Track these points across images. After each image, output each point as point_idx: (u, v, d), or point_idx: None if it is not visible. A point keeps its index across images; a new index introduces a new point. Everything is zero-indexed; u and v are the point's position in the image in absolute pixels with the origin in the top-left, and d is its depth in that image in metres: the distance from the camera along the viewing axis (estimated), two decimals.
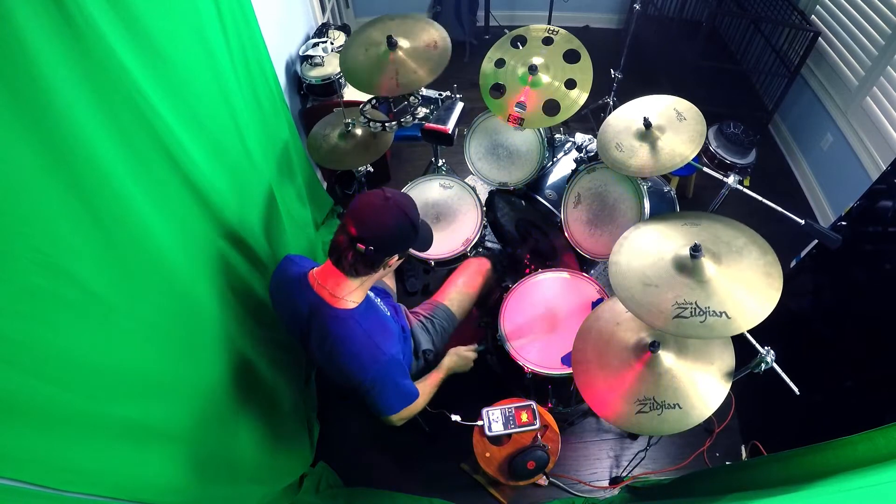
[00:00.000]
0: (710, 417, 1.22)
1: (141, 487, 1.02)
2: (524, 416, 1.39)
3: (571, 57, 1.73)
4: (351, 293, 1.26)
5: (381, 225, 1.19)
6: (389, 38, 1.63)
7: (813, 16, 2.79)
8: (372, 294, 1.43)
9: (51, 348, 0.82)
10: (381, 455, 2.04)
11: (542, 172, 2.00)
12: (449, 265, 1.95)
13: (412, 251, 1.37)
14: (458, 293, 1.79)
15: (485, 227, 1.97)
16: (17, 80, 0.75)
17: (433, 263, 1.90)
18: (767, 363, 1.17)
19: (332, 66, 2.38)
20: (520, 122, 1.74)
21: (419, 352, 1.64)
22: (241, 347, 1.50)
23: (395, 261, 1.27)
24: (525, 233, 2.18)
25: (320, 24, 2.75)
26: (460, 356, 1.62)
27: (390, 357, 1.27)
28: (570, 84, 1.71)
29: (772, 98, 2.99)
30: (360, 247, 1.17)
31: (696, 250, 1.18)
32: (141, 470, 1.04)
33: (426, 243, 1.35)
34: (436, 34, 1.69)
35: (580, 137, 2.05)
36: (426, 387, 1.50)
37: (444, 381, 1.57)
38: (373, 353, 1.25)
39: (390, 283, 1.90)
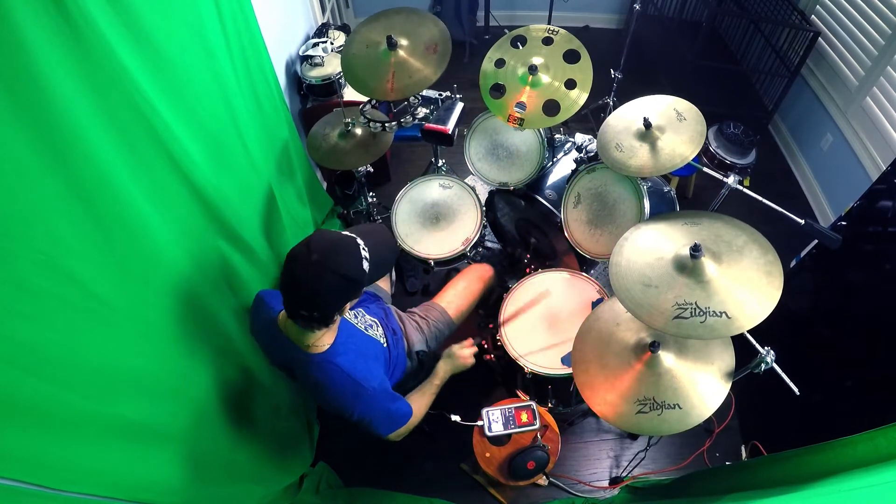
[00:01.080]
0: (710, 417, 1.22)
1: (141, 487, 1.02)
2: (524, 417, 1.39)
3: (571, 57, 1.72)
4: (319, 339, 1.24)
5: (315, 295, 1.11)
6: (389, 38, 1.63)
7: (813, 16, 2.79)
8: (350, 315, 1.42)
9: (51, 348, 0.82)
10: (381, 455, 2.04)
11: (542, 172, 2.00)
12: (449, 265, 1.95)
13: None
14: (456, 297, 1.78)
15: (485, 227, 1.97)
16: (17, 80, 0.75)
17: (433, 263, 1.90)
18: (767, 363, 1.17)
19: (332, 66, 2.38)
20: (520, 123, 1.74)
21: (412, 352, 1.63)
22: (240, 347, 1.50)
23: (346, 308, 1.21)
24: (525, 233, 2.18)
25: (320, 24, 2.75)
26: (456, 356, 1.56)
27: (373, 389, 1.26)
28: (570, 84, 1.71)
29: (772, 98, 2.99)
30: (305, 314, 1.13)
31: (696, 250, 1.18)
32: (141, 470, 1.04)
33: (382, 271, 1.26)
34: (436, 32, 1.69)
35: (580, 137, 2.05)
36: (423, 398, 1.47)
37: (445, 381, 1.55)
38: (355, 390, 1.23)
39: (384, 284, 1.89)
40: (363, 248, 1.15)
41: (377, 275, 1.21)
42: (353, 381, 1.24)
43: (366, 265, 1.14)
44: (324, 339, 1.24)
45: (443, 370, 1.54)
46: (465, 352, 1.57)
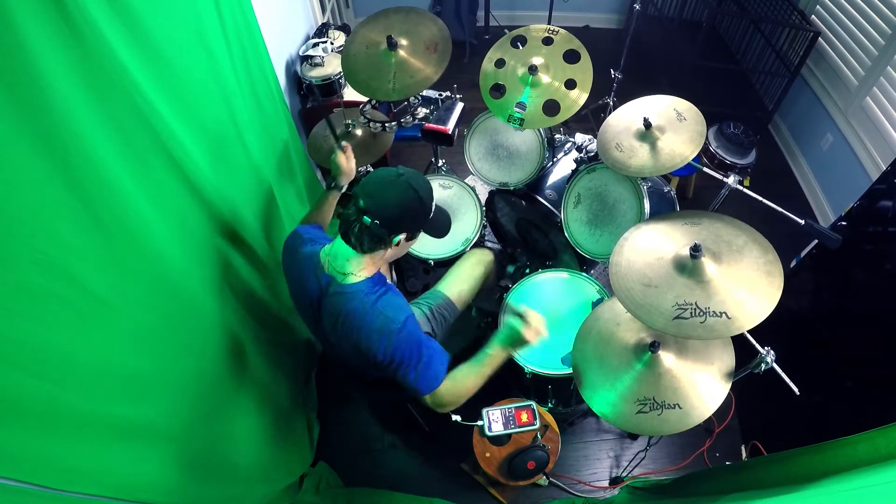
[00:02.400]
0: (710, 417, 1.22)
1: (141, 487, 1.02)
2: (524, 416, 1.39)
3: (571, 57, 1.73)
4: (360, 269, 1.24)
5: (389, 199, 1.19)
6: (389, 38, 1.63)
7: (813, 16, 2.79)
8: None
9: (50, 348, 0.82)
10: (381, 455, 2.04)
11: (542, 172, 2.00)
12: (449, 265, 1.95)
13: (424, 236, 1.30)
14: (458, 282, 1.76)
15: (485, 227, 1.97)
16: (17, 80, 0.75)
17: (433, 263, 1.90)
18: (767, 363, 1.17)
19: (332, 66, 2.38)
20: (520, 122, 1.74)
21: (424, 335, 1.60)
22: (241, 347, 1.50)
23: (404, 239, 1.24)
24: (525, 233, 2.18)
25: (320, 24, 2.75)
26: (509, 328, 1.33)
27: (406, 317, 1.23)
28: (570, 84, 1.71)
29: (772, 98, 2.99)
30: (367, 219, 1.16)
31: (696, 250, 1.18)
32: (141, 470, 1.04)
33: (442, 230, 1.32)
34: (436, 31, 1.69)
35: (580, 137, 2.05)
36: (473, 371, 1.30)
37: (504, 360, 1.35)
38: (387, 320, 1.21)
39: (390, 280, 1.89)
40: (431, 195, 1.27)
41: (437, 221, 1.30)
42: (385, 316, 1.21)
43: (433, 206, 1.27)
44: (364, 272, 1.25)
45: (498, 345, 1.33)
46: (516, 321, 1.33)
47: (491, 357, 1.32)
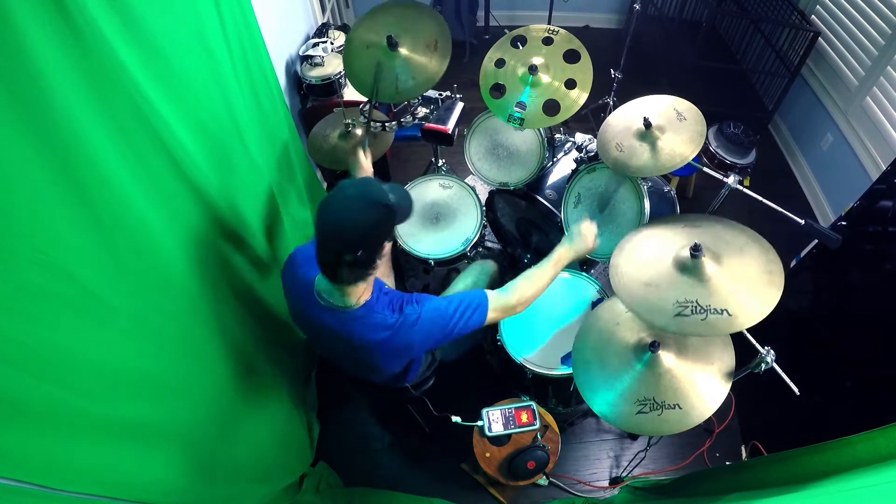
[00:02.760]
0: (710, 417, 1.22)
1: (141, 487, 1.02)
2: (524, 417, 1.39)
3: (571, 57, 1.72)
4: (360, 295, 1.22)
5: (360, 228, 1.11)
6: (389, 38, 1.63)
7: (813, 16, 2.79)
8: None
9: (51, 348, 0.82)
10: (381, 455, 2.04)
11: (542, 172, 2.00)
12: (449, 265, 1.95)
13: (408, 246, 1.33)
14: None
15: (485, 227, 1.97)
16: (17, 80, 0.75)
17: (433, 263, 1.90)
18: (767, 363, 1.17)
19: (332, 66, 2.38)
20: (520, 122, 1.74)
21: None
22: (241, 347, 1.50)
23: (387, 248, 1.22)
24: (525, 233, 2.18)
25: (320, 24, 2.75)
26: (584, 237, 1.42)
27: (417, 314, 1.22)
28: (570, 84, 1.71)
29: (772, 98, 2.99)
30: (347, 257, 1.10)
31: (696, 250, 1.18)
32: (141, 469, 1.04)
33: (407, 211, 1.25)
34: (435, 27, 1.68)
35: (580, 137, 2.04)
36: (535, 275, 1.35)
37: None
38: (405, 328, 1.21)
39: (389, 282, 1.89)
40: (382, 184, 1.18)
41: (403, 209, 1.22)
42: (402, 314, 1.21)
43: (392, 196, 1.15)
44: (364, 295, 1.22)
45: (564, 253, 1.40)
46: (591, 231, 1.44)
47: (558, 256, 1.38)
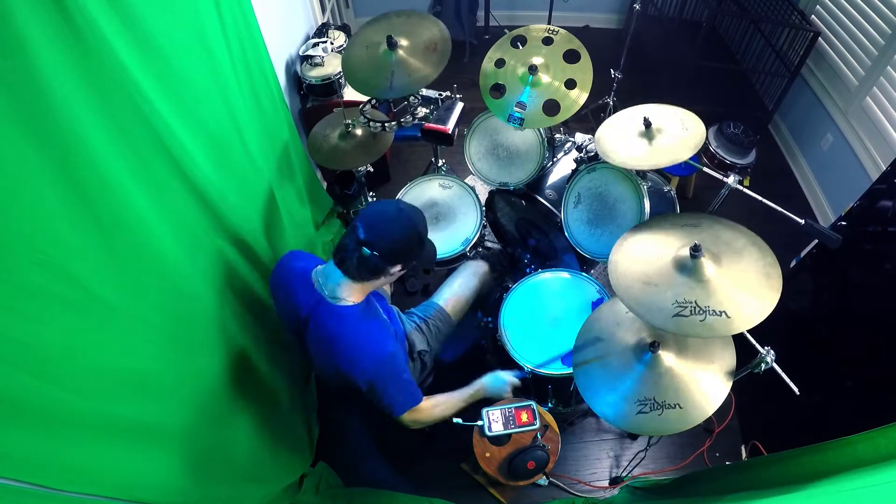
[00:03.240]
0: (710, 417, 1.22)
1: (141, 487, 1.02)
2: (524, 416, 1.39)
3: (571, 57, 1.72)
4: (351, 294, 1.27)
5: (390, 234, 1.22)
6: (389, 38, 1.63)
7: (813, 16, 2.79)
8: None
9: (51, 348, 0.82)
10: (381, 455, 2.04)
11: (542, 172, 2.00)
12: (449, 265, 1.95)
13: (415, 265, 1.38)
14: (453, 295, 1.79)
15: (485, 227, 1.97)
16: (17, 80, 0.75)
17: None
18: (767, 363, 1.17)
19: (332, 66, 2.38)
20: (520, 122, 1.74)
21: (414, 353, 1.63)
22: (240, 347, 1.50)
23: (397, 270, 1.29)
24: (525, 233, 2.18)
25: (320, 24, 2.75)
26: (499, 379, 1.52)
27: (389, 353, 1.27)
28: (570, 84, 1.71)
29: (772, 98, 2.99)
30: (366, 251, 1.18)
31: (696, 250, 1.18)
32: (141, 469, 1.04)
33: (430, 261, 1.40)
34: (436, 32, 1.69)
35: (580, 137, 2.04)
36: (450, 399, 1.45)
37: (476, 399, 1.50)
38: (372, 349, 1.25)
39: (386, 286, 1.90)
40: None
41: (427, 261, 1.38)
42: (372, 340, 1.26)
43: (427, 245, 1.33)
44: (353, 296, 1.27)
45: (482, 384, 1.50)
46: (509, 379, 1.52)
47: (475, 390, 1.48)
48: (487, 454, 1.60)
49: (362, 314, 1.29)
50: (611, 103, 2.76)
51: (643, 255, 1.30)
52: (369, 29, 1.74)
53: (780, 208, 1.37)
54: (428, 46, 1.67)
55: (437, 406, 1.41)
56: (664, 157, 1.44)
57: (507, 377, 1.52)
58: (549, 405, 1.85)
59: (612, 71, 2.64)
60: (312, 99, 2.47)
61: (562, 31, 1.76)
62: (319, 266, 1.33)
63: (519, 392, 1.57)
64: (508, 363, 1.63)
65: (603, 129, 1.60)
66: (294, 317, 1.33)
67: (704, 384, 1.25)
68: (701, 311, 1.14)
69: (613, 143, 1.53)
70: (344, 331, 1.25)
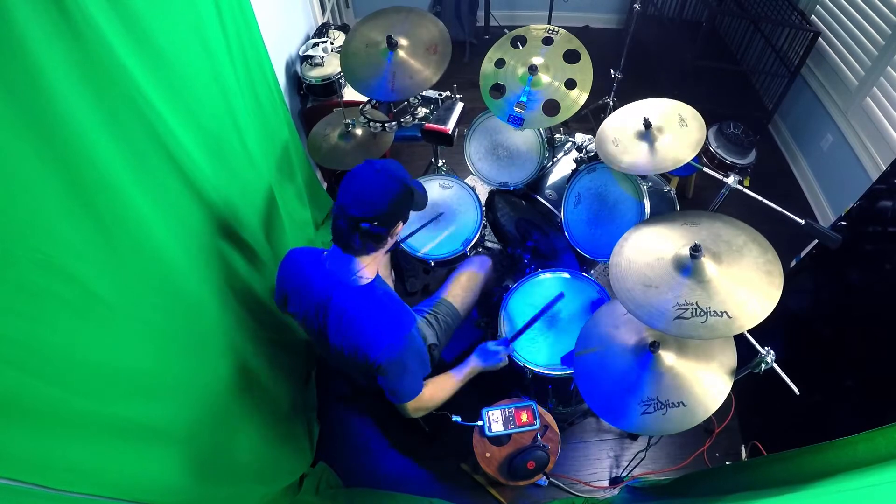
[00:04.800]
0: (710, 417, 1.22)
1: (141, 487, 1.02)
2: (524, 416, 1.39)
3: (571, 57, 1.73)
4: (363, 269, 1.27)
5: (380, 199, 1.19)
6: (389, 38, 1.63)
7: (813, 16, 2.79)
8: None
9: (51, 348, 0.82)
10: (381, 455, 2.04)
11: (542, 172, 2.00)
12: (449, 265, 1.95)
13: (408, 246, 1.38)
14: (461, 289, 1.77)
15: (485, 227, 1.97)
16: (17, 80, 0.75)
17: (433, 263, 1.90)
18: (767, 363, 1.17)
19: (332, 66, 2.38)
20: (520, 122, 1.74)
21: (425, 346, 1.63)
22: (240, 347, 1.50)
23: (399, 228, 1.29)
24: (525, 233, 2.18)
25: (320, 24, 2.75)
26: (487, 352, 1.55)
27: (408, 333, 1.26)
28: (570, 84, 1.71)
29: (772, 98, 2.99)
30: (365, 226, 1.18)
31: (696, 250, 1.18)
32: (141, 469, 1.04)
33: (423, 200, 1.37)
34: (436, 32, 1.69)
35: (580, 137, 2.04)
36: (446, 381, 1.47)
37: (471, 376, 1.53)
38: (395, 326, 1.25)
39: (388, 283, 1.89)
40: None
41: (421, 197, 1.34)
42: (394, 314, 1.26)
43: (416, 187, 1.29)
44: (367, 271, 1.27)
45: (473, 365, 1.53)
46: (501, 348, 1.55)
47: (470, 369, 1.49)
48: (487, 454, 1.60)
49: (380, 288, 1.29)
50: (611, 103, 2.76)
51: (643, 257, 1.30)
52: (368, 25, 1.73)
53: (780, 208, 1.37)
54: (428, 48, 1.67)
55: (438, 391, 1.42)
56: (668, 161, 1.44)
57: (494, 347, 1.54)
58: (550, 405, 1.85)
59: (612, 71, 2.64)
60: (312, 99, 2.47)
61: (562, 31, 1.76)
62: (326, 252, 1.34)
63: (519, 392, 1.57)
64: (509, 363, 1.63)
65: (603, 132, 1.60)
66: (313, 305, 1.32)
67: (707, 381, 1.25)
68: (702, 313, 1.14)
69: (616, 149, 1.53)
70: (366, 309, 1.25)
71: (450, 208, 1.99)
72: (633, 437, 2.05)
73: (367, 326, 1.24)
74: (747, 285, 1.16)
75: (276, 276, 1.42)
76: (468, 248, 1.90)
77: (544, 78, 1.73)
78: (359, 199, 1.18)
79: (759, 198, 1.41)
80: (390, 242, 1.29)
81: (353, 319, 1.25)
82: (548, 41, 1.76)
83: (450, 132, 1.86)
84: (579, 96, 1.70)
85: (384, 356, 1.23)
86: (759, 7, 3.08)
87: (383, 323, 1.25)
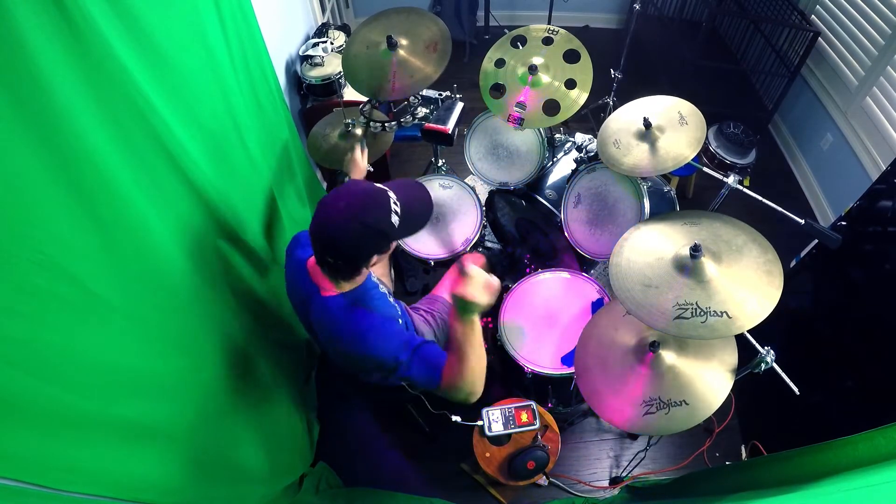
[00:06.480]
0: (710, 417, 1.22)
1: (141, 487, 1.02)
2: (524, 416, 1.39)
3: (571, 57, 1.73)
4: (342, 287, 1.23)
5: (342, 243, 1.10)
6: (389, 38, 1.63)
7: (813, 16, 2.79)
8: (374, 277, 1.40)
9: (51, 348, 0.82)
10: (381, 455, 2.04)
11: (542, 172, 2.00)
12: (449, 265, 1.95)
13: (408, 246, 1.33)
14: None
15: (485, 227, 1.97)
16: (17, 80, 0.75)
17: (433, 263, 1.90)
18: (767, 363, 1.17)
19: (332, 66, 2.38)
20: (520, 122, 1.74)
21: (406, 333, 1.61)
22: (240, 347, 1.50)
23: (375, 260, 1.19)
24: (525, 233, 2.18)
25: (320, 24, 2.75)
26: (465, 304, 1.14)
27: (397, 329, 1.22)
28: (570, 84, 1.71)
29: (772, 98, 2.99)
30: (330, 260, 1.13)
31: (696, 250, 1.18)
32: (141, 469, 1.03)
33: (414, 226, 1.21)
34: (436, 31, 1.69)
35: (580, 137, 2.05)
36: (471, 343, 1.15)
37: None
38: (379, 327, 1.20)
39: (388, 282, 1.90)
40: (394, 203, 1.13)
41: (407, 230, 1.20)
42: (377, 319, 1.20)
43: (395, 219, 1.12)
44: (344, 287, 1.23)
45: (464, 320, 1.15)
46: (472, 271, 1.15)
47: (469, 325, 1.15)
48: (487, 454, 1.60)
49: (361, 297, 1.24)
50: (611, 103, 2.76)
51: (643, 257, 1.30)
52: (369, 27, 1.74)
53: (780, 208, 1.38)
54: (428, 46, 1.67)
55: (458, 357, 1.15)
56: (669, 161, 1.44)
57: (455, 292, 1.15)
58: (549, 405, 1.85)
59: (612, 71, 2.64)
60: (312, 99, 2.47)
61: (562, 31, 1.76)
62: (312, 259, 1.30)
63: (519, 392, 1.57)
64: (508, 363, 1.63)
65: (604, 134, 1.60)
66: (299, 301, 1.33)
67: (708, 379, 1.25)
68: (702, 313, 1.14)
69: (617, 151, 1.53)
70: (338, 318, 1.20)
71: (450, 208, 1.99)
72: (633, 437, 2.05)
73: (341, 337, 1.20)
74: (747, 285, 1.16)
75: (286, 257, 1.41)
76: (468, 248, 1.90)
77: (544, 78, 1.73)
78: (322, 240, 1.11)
79: (759, 197, 1.41)
80: (366, 272, 1.24)
81: (330, 333, 1.22)
82: (548, 41, 1.76)
83: (450, 132, 1.86)
84: (579, 96, 1.70)
85: (386, 361, 1.17)
86: (759, 7, 3.08)
87: (366, 334, 1.17)
